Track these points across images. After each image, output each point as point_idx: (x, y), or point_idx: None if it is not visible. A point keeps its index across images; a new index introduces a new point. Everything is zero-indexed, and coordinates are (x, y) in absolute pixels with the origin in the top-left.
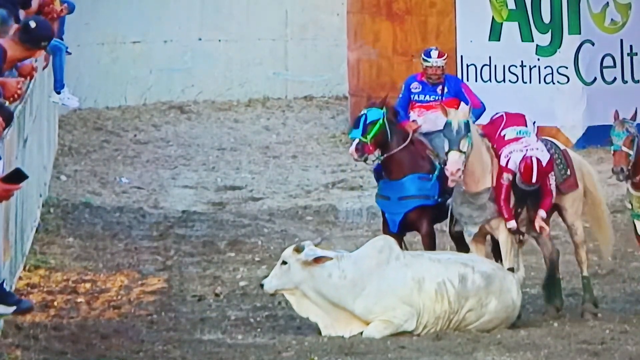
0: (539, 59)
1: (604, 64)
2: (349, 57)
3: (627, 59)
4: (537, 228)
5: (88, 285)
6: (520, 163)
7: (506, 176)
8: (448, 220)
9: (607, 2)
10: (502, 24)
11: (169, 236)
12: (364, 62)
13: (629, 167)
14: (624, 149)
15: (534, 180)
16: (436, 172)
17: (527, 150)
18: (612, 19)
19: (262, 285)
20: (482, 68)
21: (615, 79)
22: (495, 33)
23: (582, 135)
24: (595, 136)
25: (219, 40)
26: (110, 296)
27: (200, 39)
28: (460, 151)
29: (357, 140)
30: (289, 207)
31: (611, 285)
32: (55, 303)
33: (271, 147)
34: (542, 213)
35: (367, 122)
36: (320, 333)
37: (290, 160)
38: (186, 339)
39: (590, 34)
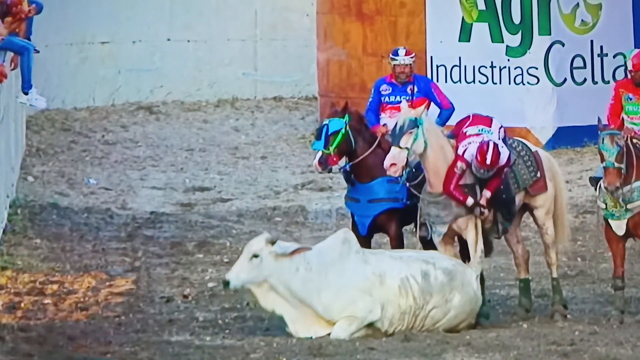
0: (509, 60)
1: (574, 65)
2: (318, 58)
3: (597, 60)
4: (483, 202)
5: (55, 286)
6: (476, 150)
7: (460, 165)
8: (419, 223)
9: (578, 3)
10: (472, 24)
11: (137, 237)
12: (333, 62)
13: (622, 182)
14: (617, 165)
15: (488, 162)
16: (404, 175)
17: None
18: (582, 20)
19: (226, 283)
20: (452, 69)
21: (585, 79)
22: (465, 34)
23: (552, 136)
24: (565, 137)
25: (188, 41)
26: (78, 297)
27: (169, 40)
28: (400, 147)
29: (319, 153)
30: (258, 208)
31: (580, 287)
32: (22, 304)
33: (240, 147)
34: (486, 193)
35: (329, 133)
36: (286, 327)
37: (259, 161)
38: (154, 340)
39: (561, 35)
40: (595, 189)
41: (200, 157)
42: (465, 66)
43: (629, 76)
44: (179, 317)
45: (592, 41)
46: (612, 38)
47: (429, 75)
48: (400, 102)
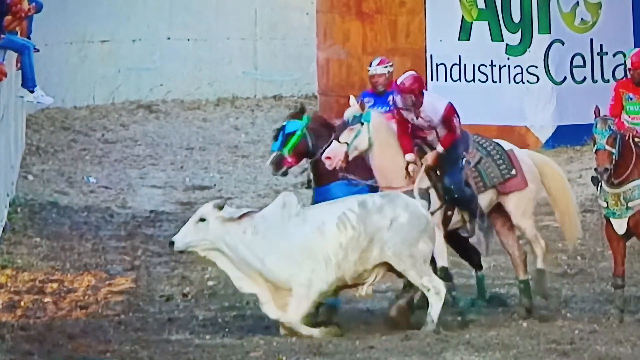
0: (508, 59)
1: (574, 64)
2: (318, 57)
3: (597, 59)
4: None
5: (55, 285)
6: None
7: (403, 106)
8: None
9: (577, 2)
10: (471, 23)
11: (136, 236)
12: (333, 61)
13: (612, 167)
14: (607, 147)
15: (401, 82)
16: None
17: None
18: (582, 19)
19: (171, 243)
20: (452, 67)
21: (585, 78)
22: (465, 32)
23: (551, 134)
24: (565, 135)
25: (188, 40)
26: (78, 296)
27: (169, 38)
28: (339, 141)
29: (274, 154)
30: (258, 206)
31: (580, 285)
32: (22, 303)
33: (240, 146)
34: (439, 148)
35: (286, 133)
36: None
37: (259, 159)
38: (154, 339)
39: (560, 34)
40: (597, 188)
41: (200, 156)
42: (465, 65)
43: (629, 75)
44: (179, 315)
45: (591, 40)
46: (612, 37)
47: (428, 75)
48: (382, 112)
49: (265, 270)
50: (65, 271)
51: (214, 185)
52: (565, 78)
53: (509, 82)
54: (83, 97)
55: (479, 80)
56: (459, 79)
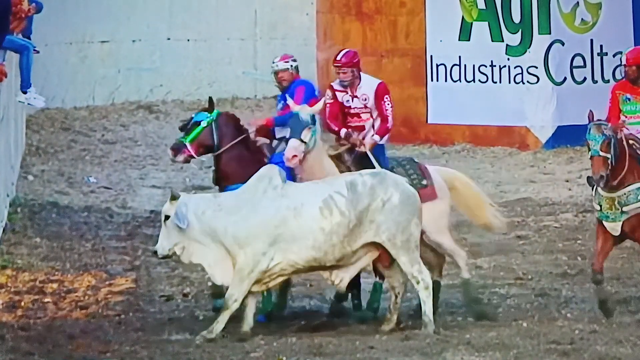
0: (508, 59)
1: (574, 64)
2: (318, 57)
3: (597, 59)
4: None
5: (55, 285)
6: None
7: (327, 93)
8: None
9: (577, 2)
10: (472, 23)
11: (136, 236)
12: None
13: (608, 172)
14: (602, 153)
15: (340, 58)
16: None
17: None
18: (582, 19)
19: (155, 252)
20: (452, 68)
21: (585, 78)
22: (465, 33)
23: (551, 135)
24: (565, 136)
25: (188, 40)
26: (78, 296)
27: (169, 39)
28: (302, 140)
29: (176, 143)
30: None
31: (580, 285)
32: (22, 303)
33: None
34: (376, 137)
35: (192, 122)
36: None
37: None
38: (154, 339)
39: (561, 34)
40: (592, 190)
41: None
42: (465, 65)
43: (624, 72)
44: (179, 315)
45: (592, 40)
46: (612, 37)
47: (429, 75)
48: (282, 109)
49: (226, 238)
50: (66, 271)
51: (213, 185)
52: (565, 78)
53: (509, 82)
54: (83, 98)
55: (479, 80)
56: (459, 79)
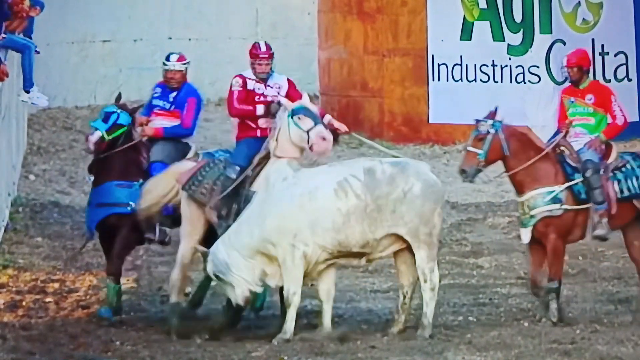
0: (510, 59)
1: None
2: (319, 56)
3: (598, 59)
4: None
5: (57, 285)
6: None
7: (235, 80)
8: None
9: (579, 2)
10: (473, 23)
11: None
12: (335, 61)
13: (479, 167)
14: (471, 148)
15: None
16: (138, 182)
17: None
18: (583, 19)
19: (249, 301)
20: (454, 67)
21: None
22: (466, 32)
23: (553, 134)
24: None
25: (189, 39)
26: (79, 296)
27: (170, 38)
28: (324, 124)
29: (99, 134)
30: None
31: (582, 285)
32: (24, 303)
33: None
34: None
35: (117, 122)
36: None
37: None
38: (155, 338)
39: (562, 34)
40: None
41: None
42: (466, 65)
43: (566, 75)
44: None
45: (593, 40)
46: (613, 37)
47: (430, 75)
48: (161, 107)
49: (259, 245)
50: (67, 271)
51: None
52: (566, 78)
53: (511, 82)
54: (84, 97)
55: (481, 80)
56: (461, 79)
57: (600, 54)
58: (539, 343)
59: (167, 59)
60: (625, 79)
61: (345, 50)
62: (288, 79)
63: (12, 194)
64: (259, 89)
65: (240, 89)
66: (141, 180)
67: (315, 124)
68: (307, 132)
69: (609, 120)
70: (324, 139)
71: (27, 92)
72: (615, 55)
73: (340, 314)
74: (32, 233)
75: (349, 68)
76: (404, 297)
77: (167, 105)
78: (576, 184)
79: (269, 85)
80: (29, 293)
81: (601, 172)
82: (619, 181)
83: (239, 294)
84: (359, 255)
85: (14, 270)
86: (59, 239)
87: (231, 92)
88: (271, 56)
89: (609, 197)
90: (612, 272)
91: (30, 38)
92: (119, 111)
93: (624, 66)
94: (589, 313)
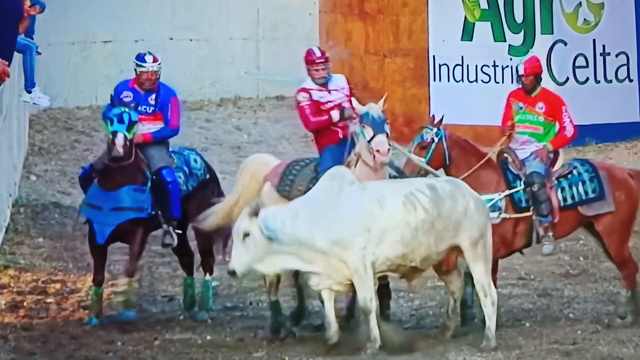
0: (511, 59)
1: (577, 64)
2: None
3: (599, 59)
4: None
5: (58, 285)
6: None
7: (301, 96)
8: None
9: (580, 2)
10: (474, 23)
11: None
12: (335, 61)
13: (420, 174)
14: (413, 156)
15: None
16: (148, 185)
17: None
18: (584, 19)
19: (232, 273)
20: (455, 68)
21: (587, 79)
22: (467, 33)
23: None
24: None
25: (190, 40)
26: (80, 297)
27: (171, 39)
28: (386, 133)
29: (121, 135)
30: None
31: (583, 285)
32: (25, 303)
33: (242, 147)
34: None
35: (132, 120)
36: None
37: None
38: (156, 339)
39: (563, 34)
40: None
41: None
42: (467, 65)
43: (520, 82)
44: (181, 316)
45: (594, 40)
46: (615, 37)
47: (431, 75)
48: (142, 112)
49: (318, 242)
50: (68, 271)
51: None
52: (567, 78)
53: (512, 82)
54: (85, 98)
55: (482, 80)
56: (462, 79)
57: (601, 54)
58: (540, 343)
59: (142, 60)
60: (627, 79)
61: (346, 51)
62: (346, 78)
63: (13, 194)
64: (322, 97)
65: (309, 102)
66: (149, 184)
67: (375, 133)
68: (369, 141)
69: (557, 129)
70: (379, 151)
71: (29, 92)
72: (617, 55)
73: (344, 314)
74: (33, 233)
75: (350, 68)
76: (455, 302)
77: (149, 109)
78: (517, 191)
79: (332, 90)
80: (30, 294)
81: (545, 180)
82: (562, 189)
83: (244, 263)
84: (413, 272)
85: (15, 271)
86: (60, 240)
87: (302, 108)
88: (327, 60)
89: (552, 207)
90: (613, 273)
91: (32, 38)
92: (126, 109)
93: (625, 67)
94: (590, 313)
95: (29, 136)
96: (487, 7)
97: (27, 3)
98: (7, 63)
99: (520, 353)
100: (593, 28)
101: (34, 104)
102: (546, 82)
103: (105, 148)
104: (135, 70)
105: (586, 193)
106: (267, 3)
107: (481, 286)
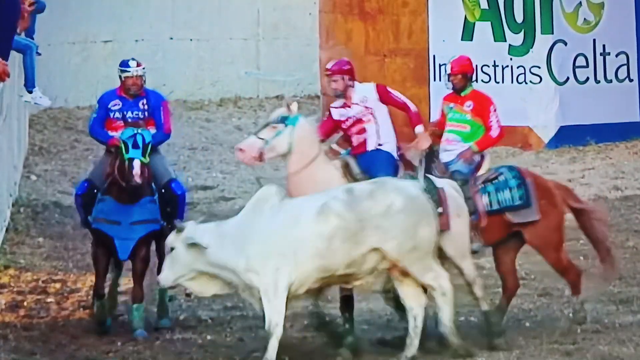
0: (511, 59)
1: (577, 64)
2: (321, 57)
3: (599, 59)
4: None
5: (58, 285)
6: None
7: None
8: None
9: (580, 2)
10: (474, 23)
11: None
12: None
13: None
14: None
15: None
16: (156, 195)
17: None
18: (584, 19)
19: (158, 283)
20: None
21: (587, 78)
22: (467, 33)
23: (554, 134)
24: (568, 136)
25: (191, 40)
26: (81, 296)
27: (171, 38)
28: (257, 136)
29: (138, 162)
30: None
31: (583, 285)
32: (25, 303)
33: None
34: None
35: (146, 142)
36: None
37: None
38: (157, 339)
39: (563, 34)
40: None
41: (203, 156)
42: None
43: (448, 80)
44: (182, 315)
45: (594, 40)
46: (615, 37)
47: (431, 75)
48: (135, 118)
49: (237, 268)
50: (68, 271)
51: (216, 185)
52: (568, 78)
53: (512, 82)
54: (86, 97)
55: (482, 80)
56: None
57: (601, 54)
58: (540, 343)
59: (126, 65)
60: (627, 79)
61: (346, 51)
62: (377, 85)
63: (13, 194)
64: (342, 114)
65: (325, 119)
66: (156, 195)
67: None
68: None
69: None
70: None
71: (30, 92)
72: (617, 55)
73: (340, 315)
74: (34, 233)
75: None
76: (415, 319)
77: (141, 115)
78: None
79: (354, 103)
80: (30, 293)
81: (470, 183)
82: (488, 194)
83: (169, 277)
84: (345, 278)
85: (15, 271)
86: (60, 240)
87: (321, 121)
88: (342, 72)
89: (479, 210)
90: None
91: (32, 38)
92: (138, 130)
93: (625, 66)
94: (591, 313)
95: (29, 136)
96: (487, 7)
97: (27, 2)
98: (7, 63)
99: (520, 353)
100: (593, 28)
101: (35, 103)
102: (546, 82)
103: (105, 161)
104: (120, 77)
105: (512, 199)
106: (267, 3)
107: (427, 285)
